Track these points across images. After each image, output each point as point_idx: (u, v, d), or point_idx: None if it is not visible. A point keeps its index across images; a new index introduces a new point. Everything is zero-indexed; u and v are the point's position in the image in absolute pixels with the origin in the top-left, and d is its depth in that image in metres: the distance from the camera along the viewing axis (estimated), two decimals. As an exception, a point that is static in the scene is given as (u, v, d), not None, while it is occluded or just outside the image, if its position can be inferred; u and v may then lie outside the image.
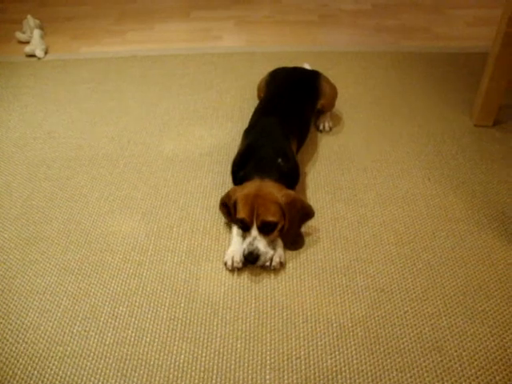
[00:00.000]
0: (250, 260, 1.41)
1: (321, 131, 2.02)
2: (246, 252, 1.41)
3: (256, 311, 1.33)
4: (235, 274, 1.44)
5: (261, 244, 1.41)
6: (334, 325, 1.29)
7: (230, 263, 1.44)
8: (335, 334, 1.27)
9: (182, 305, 1.36)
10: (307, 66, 2.30)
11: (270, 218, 1.41)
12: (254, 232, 1.42)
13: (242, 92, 2.30)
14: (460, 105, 2.16)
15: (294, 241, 1.52)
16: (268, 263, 1.43)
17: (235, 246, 1.47)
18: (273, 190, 1.45)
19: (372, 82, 2.37)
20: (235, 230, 1.52)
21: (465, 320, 1.29)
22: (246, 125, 1.80)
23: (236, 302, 1.36)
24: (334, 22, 3.09)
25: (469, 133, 1.99)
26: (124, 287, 1.42)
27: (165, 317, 1.33)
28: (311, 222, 1.58)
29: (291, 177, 1.60)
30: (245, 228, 1.45)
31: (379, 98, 2.24)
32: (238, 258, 1.44)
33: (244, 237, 1.47)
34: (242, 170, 1.59)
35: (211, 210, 1.66)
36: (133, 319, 1.33)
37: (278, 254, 1.45)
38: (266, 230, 1.43)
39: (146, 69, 2.58)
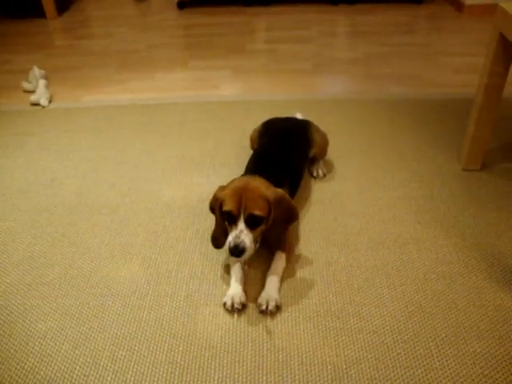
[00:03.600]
0: (236, 253, 1.43)
1: (315, 177, 2.09)
2: (231, 245, 1.43)
3: (253, 354, 1.36)
4: (232, 318, 1.47)
5: (247, 238, 1.44)
6: (329, 367, 1.32)
7: (229, 303, 1.47)
8: (330, 376, 1.29)
9: (181, 348, 1.39)
10: (299, 115, 2.38)
11: (258, 212, 1.45)
12: (241, 225, 1.45)
13: (238, 140, 2.39)
14: (449, 149, 2.25)
15: (276, 242, 1.54)
16: (264, 307, 1.46)
17: (235, 289, 1.51)
18: (261, 185, 1.50)
19: (364, 129, 2.46)
20: (234, 273, 1.56)
21: (457, 361, 1.32)
22: (242, 171, 1.86)
23: (233, 346, 1.39)
24: (327, 70, 3.22)
25: (457, 177, 2.06)
26: (124, 331, 1.45)
27: (164, 360, 1.36)
28: (306, 266, 1.63)
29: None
30: (231, 221, 1.48)
31: (371, 144, 2.33)
32: (238, 300, 1.47)
33: (229, 231, 1.49)
34: None
35: (209, 256, 1.70)
36: (132, 363, 1.35)
37: (274, 297, 1.48)
38: (252, 223, 1.47)
39: (146, 117, 2.67)
